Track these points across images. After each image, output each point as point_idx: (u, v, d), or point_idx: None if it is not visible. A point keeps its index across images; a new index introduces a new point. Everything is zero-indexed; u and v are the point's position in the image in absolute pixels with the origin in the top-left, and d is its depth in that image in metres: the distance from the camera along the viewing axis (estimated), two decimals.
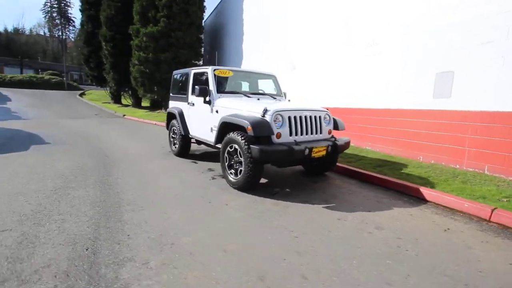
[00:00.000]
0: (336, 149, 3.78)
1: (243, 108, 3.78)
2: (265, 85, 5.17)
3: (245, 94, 4.56)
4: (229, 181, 3.73)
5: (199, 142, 5.09)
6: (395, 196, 3.63)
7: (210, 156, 5.69)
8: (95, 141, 7.03)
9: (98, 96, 23.09)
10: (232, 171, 3.70)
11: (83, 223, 2.57)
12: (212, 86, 4.38)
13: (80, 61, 30.94)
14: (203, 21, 15.93)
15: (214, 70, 4.48)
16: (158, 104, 17.91)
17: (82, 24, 20.32)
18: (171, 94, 5.98)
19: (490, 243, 2.47)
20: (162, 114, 14.61)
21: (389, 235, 2.54)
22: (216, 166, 4.86)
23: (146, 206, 3.01)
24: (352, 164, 4.76)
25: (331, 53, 7.22)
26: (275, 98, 4.81)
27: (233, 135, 3.58)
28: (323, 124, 3.93)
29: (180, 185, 3.79)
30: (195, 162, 5.12)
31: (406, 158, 5.29)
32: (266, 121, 3.36)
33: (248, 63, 12.62)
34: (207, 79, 4.57)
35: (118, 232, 2.41)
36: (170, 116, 5.79)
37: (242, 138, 3.44)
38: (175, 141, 5.59)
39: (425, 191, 3.47)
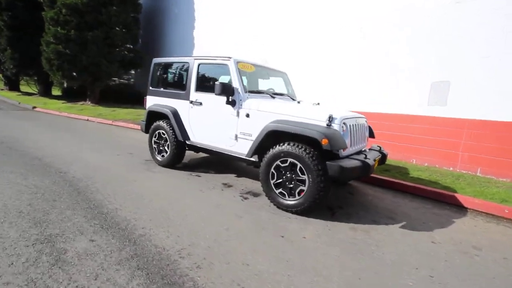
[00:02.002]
0: (384, 159, 3.56)
1: (290, 113, 3.12)
2: (275, 84, 4.55)
3: (271, 94, 3.87)
4: (279, 203, 3.05)
5: (201, 150, 4.12)
6: (437, 205, 3.65)
7: (209, 165, 4.73)
8: (24, 147, 4.99)
9: None
10: (283, 191, 3.04)
11: None
12: (237, 83, 3.51)
13: None
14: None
15: (238, 62, 3.61)
16: (74, 93, 14.61)
17: None
18: (151, 88, 4.68)
19: None
20: (89, 108, 11.94)
21: (493, 256, 2.44)
22: (230, 179, 4.03)
23: (212, 257, 2.11)
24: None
25: (320, 50, 7.06)
26: (294, 100, 4.27)
27: (290, 147, 2.92)
28: (366, 131, 3.66)
29: (218, 213, 2.89)
30: (198, 176, 4.12)
31: (399, 160, 5.57)
32: (338, 131, 2.84)
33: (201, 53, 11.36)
34: (226, 72, 3.67)
35: None
36: (154, 116, 4.54)
37: (307, 152, 2.83)
38: (163, 148, 4.41)
39: (467, 199, 3.60)
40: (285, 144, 2.98)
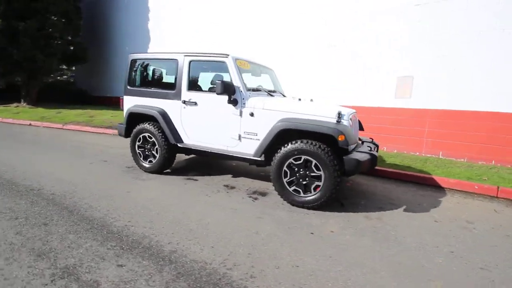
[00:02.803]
0: (377, 150, 3.83)
1: (298, 111, 3.14)
2: (263, 81, 4.52)
3: (268, 92, 3.83)
4: (294, 201, 3.07)
5: (195, 153, 3.90)
6: (419, 187, 4.08)
7: (199, 167, 4.49)
8: None
9: None
10: (297, 188, 3.07)
11: None
12: (238, 81, 3.39)
13: None
14: None
15: (236, 60, 3.48)
16: (2, 93, 12.44)
17: None
18: (128, 87, 4.23)
19: None
20: (27, 110, 10.31)
21: (485, 228, 2.84)
22: (229, 180, 3.91)
23: (259, 264, 2.03)
24: None
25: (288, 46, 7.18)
26: (285, 96, 4.31)
27: (304, 145, 2.94)
28: (357, 125, 3.89)
29: (237, 217, 2.79)
30: (195, 180, 3.90)
31: None
32: (348, 127, 2.96)
33: (160, 48, 10.69)
34: (222, 71, 3.51)
35: None
36: (135, 119, 4.12)
37: (322, 148, 2.89)
38: (151, 153, 4.05)
39: (443, 180, 4.11)
40: (298, 142, 3.00)
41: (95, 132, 7.70)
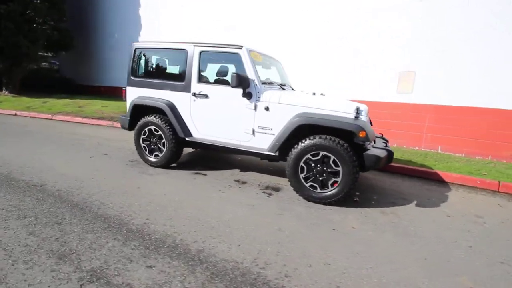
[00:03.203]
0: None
1: (315, 106, 3.10)
2: (270, 73, 4.42)
3: (281, 85, 3.76)
4: (310, 196, 3.05)
5: (204, 147, 3.80)
6: (424, 182, 4.17)
7: (204, 161, 4.39)
8: None
9: None
10: (314, 183, 3.05)
11: None
12: (253, 74, 3.29)
13: None
14: None
15: (250, 51, 3.37)
16: None
17: None
18: (132, 78, 4.03)
19: None
20: (10, 99, 9.76)
21: (494, 222, 2.94)
22: (238, 175, 3.84)
23: (290, 262, 2.01)
24: None
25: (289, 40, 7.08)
26: (294, 89, 4.25)
27: (323, 141, 2.91)
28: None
29: (256, 213, 2.75)
30: (204, 174, 3.81)
31: None
32: (367, 123, 2.95)
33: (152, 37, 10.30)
34: (235, 63, 3.40)
35: None
36: (141, 110, 3.96)
37: (341, 144, 2.87)
38: (157, 147, 3.92)
39: (447, 175, 4.21)
40: (317, 138, 2.97)
41: (88, 124, 7.39)
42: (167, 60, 4.07)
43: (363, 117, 2.99)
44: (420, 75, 5.65)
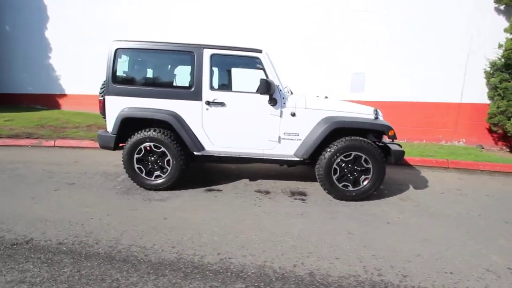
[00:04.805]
0: None
1: (339, 110, 3.26)
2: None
3: (289, 89, 3.73)
4: (344, 196, 3.20)
5: (218, 160, 3.44)
6: (402, 168, 4.88)
7: (208, 175, 3.94)
8: None
9: None
10: (346, 183, 3.20)
11: None
12: (276, 79, 3.16)
13: None
14: None
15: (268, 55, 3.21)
16: None
17: None
18: (113, 85, 3.24)
19: None
20: None
21: (477, 194, 3.72)
22: (256, 185, 3.65)
23: (400, 270, 2.09)
24: None
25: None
26: (292, 93, 4.30)
27: (356, 142, 3.08)
28: None
29: (311, 222, 2.69)
30: (219, 190, 3.44)
31: None
32: (386, 122, 3.28)
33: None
34: (252, 67, 3.19)
35: None
36: (131, 124, 3.25)
37: (371, 143, 3.11)
38: (158, 166, 3.30)
39: (412, 159, 5.07)
40: (349, 140, 3.11)
41: (16, 145, 5.52)
42: (166, 64, 3.46)
43: (381, 118, 3.32)
44: (371, 75, 6.59)
